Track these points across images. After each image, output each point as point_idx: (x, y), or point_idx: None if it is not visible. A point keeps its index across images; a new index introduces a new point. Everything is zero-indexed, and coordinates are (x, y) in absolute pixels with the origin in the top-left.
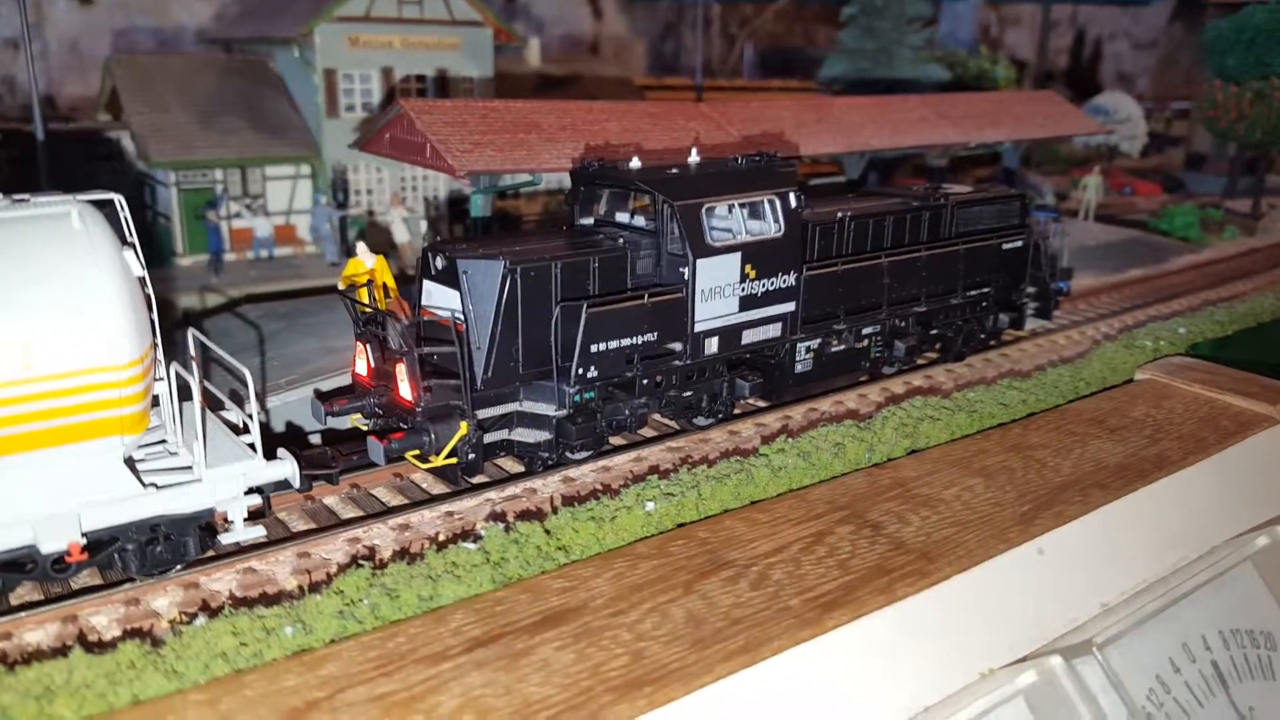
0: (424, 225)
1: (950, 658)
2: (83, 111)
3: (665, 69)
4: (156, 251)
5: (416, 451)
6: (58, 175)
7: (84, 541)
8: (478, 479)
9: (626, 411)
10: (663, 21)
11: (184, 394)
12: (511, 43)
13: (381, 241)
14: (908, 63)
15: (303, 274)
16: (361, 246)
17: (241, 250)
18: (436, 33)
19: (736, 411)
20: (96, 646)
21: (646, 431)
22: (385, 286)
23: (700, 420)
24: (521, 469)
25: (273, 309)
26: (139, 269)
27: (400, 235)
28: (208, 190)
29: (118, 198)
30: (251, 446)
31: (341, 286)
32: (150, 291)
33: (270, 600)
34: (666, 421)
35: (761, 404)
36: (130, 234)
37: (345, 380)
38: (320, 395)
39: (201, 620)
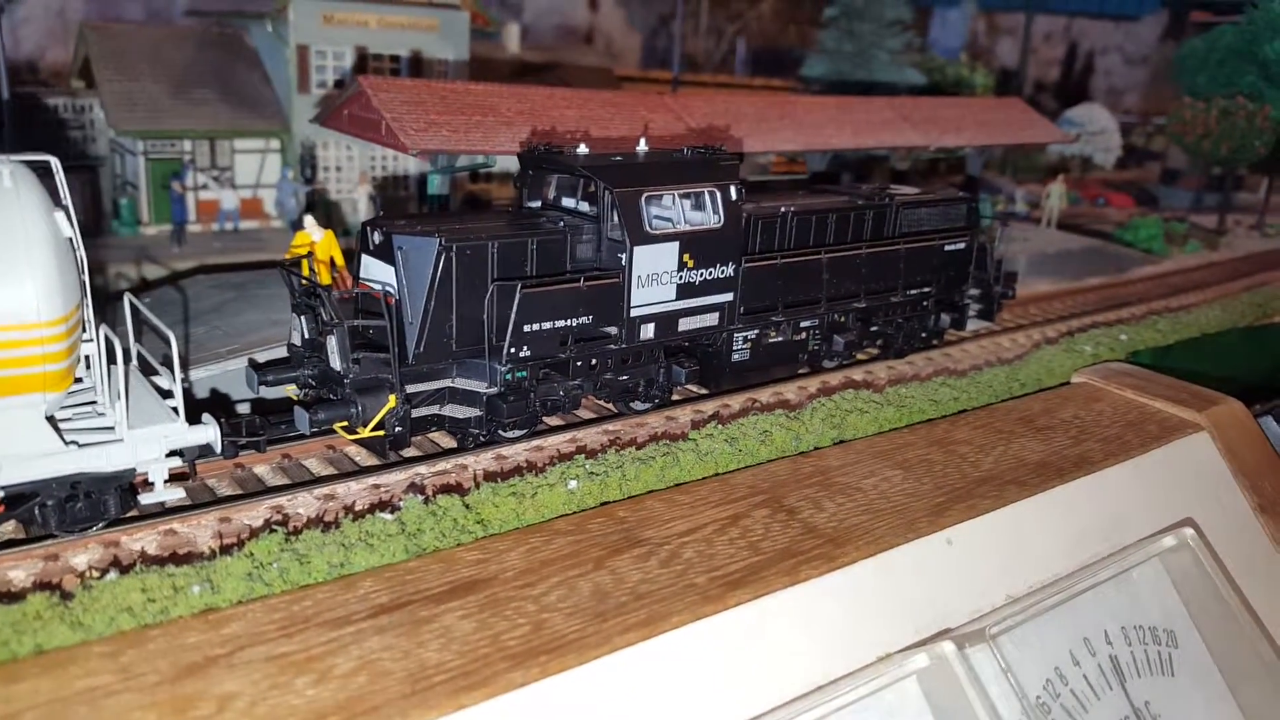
0: (378, 202)
1: (848, 639)
2: (63, 78)
3: (659, 63)
4: (124, 220)
5: (344, 423)
6: (26, 139)
7: (1, 495)
8: (408, 453)
9: (561, 392)
10: (657, 14)
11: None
12: (488, 27)
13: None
14: (885, 66)
15: (266, 248)
16: (309, 219)
17: (207, 222)
18: (412, 13)
19: (676, 398)
20: (5, 598)
21: (584, 414)
22: (332, 260)
23: (638, 404)
24: (455, 445)
25: (226, 279)
26: (69, 230)
27: (366, 213)
28: (176, 160)
29: (53, 160)
30: (175, 410)
31: (288, 258)
32: (82, 254)
33: (182, 560)
34: (605, 405)
35: (701, 391)
36: (65, 196)
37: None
38: (255, 365)
39: (112, 575)
